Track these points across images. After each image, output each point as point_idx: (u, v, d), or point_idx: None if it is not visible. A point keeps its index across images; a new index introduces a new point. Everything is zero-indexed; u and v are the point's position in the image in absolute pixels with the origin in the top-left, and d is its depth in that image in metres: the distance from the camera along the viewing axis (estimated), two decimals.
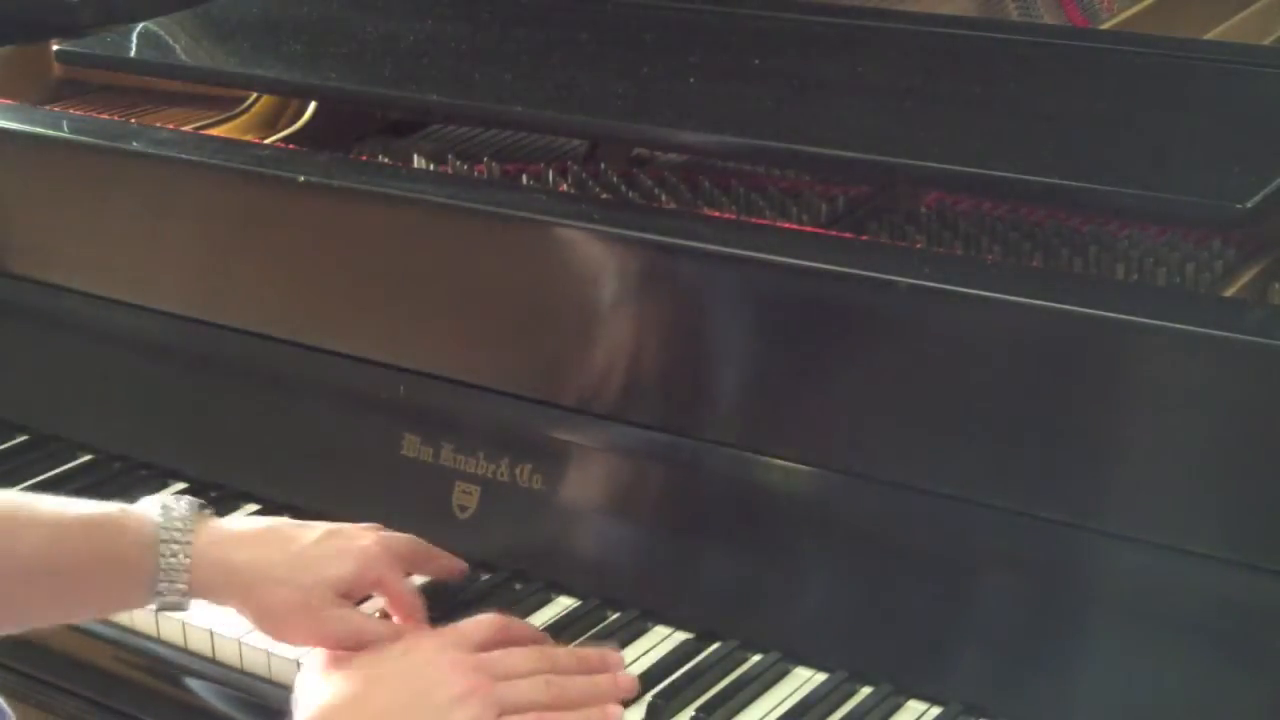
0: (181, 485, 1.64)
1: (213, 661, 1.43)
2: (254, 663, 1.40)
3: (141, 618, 1.46)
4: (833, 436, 1.35)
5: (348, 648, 1.28)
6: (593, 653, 1.32)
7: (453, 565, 1.42)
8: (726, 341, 1.39)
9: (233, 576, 1.29)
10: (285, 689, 1.31)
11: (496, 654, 1.26)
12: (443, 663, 1.23)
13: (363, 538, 1.34)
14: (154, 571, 1.27)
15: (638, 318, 1.43)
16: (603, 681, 1.29)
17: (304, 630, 1.29)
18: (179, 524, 1.28)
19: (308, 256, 1.60)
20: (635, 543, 1.43)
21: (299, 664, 1.34)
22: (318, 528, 1.33)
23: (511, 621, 1.33)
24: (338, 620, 1.27)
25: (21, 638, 1.48)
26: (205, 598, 1.30)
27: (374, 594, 1.35)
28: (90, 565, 1.28)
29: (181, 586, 1.27)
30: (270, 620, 1.30)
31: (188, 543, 1.27)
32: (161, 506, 1.29)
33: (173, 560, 1.27)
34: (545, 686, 1.24)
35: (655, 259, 1.41)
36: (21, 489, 1.63)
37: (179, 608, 1.31)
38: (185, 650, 1.44)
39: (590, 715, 1.25)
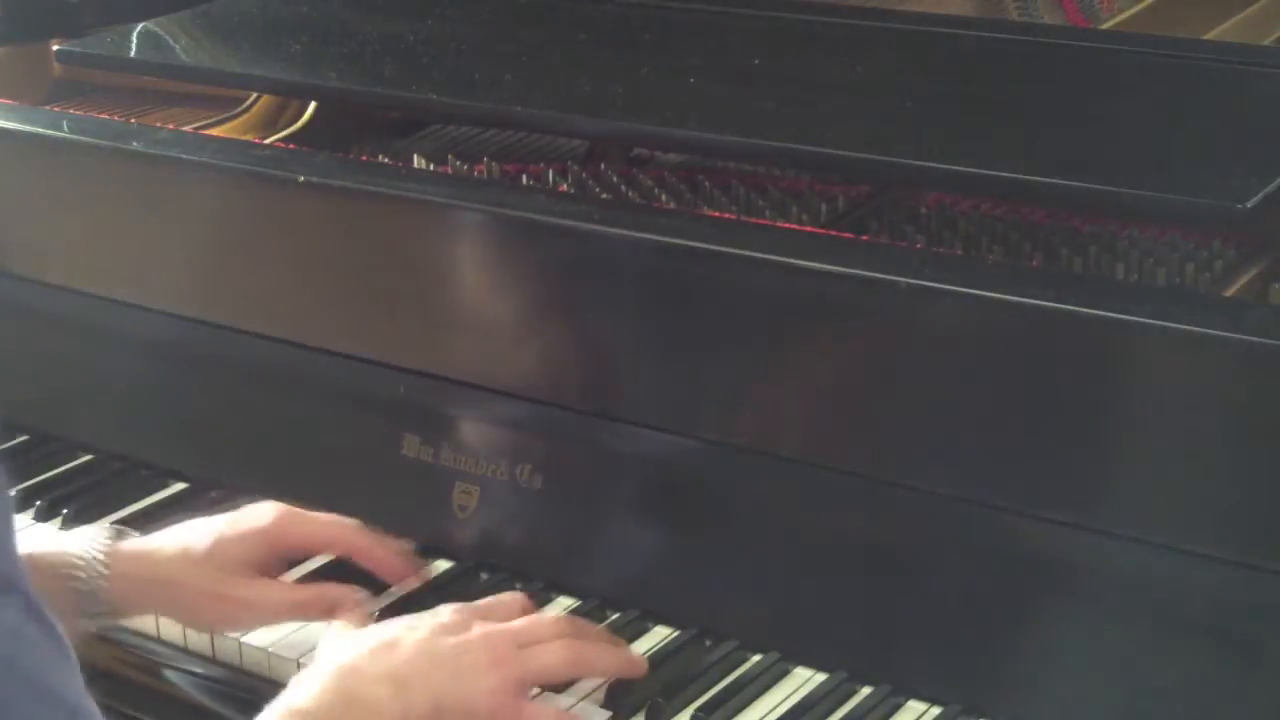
0: (181, 485, 1.64)
1: (212, 661, 1.43)
2: (254, 661, 1.40)
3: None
4: (832, 437, 1.35)
5: (268, 618, 1.37)
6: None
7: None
8: (726, 342, 1.38)
9: (152, 575, 1.35)
10: (284, 687, 1.31)
11: (523, 621, 1.28)
12: (473, 630, 1.25)
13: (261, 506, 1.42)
14: (73, 589, 1.32)
15: (637, 318, 1.42)
16: (622, 649, 1.32)
17: (213, 610, 1.36)
18: (91, 545, 1.34)
19: (308, 256, 1.60)
20: (635, 542, 1.43)
21: (299, 664, 1.35)
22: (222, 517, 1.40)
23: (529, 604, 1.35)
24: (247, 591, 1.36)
25: None
26: (131, 610, 1.38)
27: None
28: None
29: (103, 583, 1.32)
30: (188, 611, 1.37)
31: (100, 558, 1.34)
32: (74, 534, 1.36)
33: (89, 573, 1.33)
34: (566, 650, 1.26)
35: (655, 259, 1.41)
36: (21, 489, 1.63)
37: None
38: (184, 650, 1.44)
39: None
